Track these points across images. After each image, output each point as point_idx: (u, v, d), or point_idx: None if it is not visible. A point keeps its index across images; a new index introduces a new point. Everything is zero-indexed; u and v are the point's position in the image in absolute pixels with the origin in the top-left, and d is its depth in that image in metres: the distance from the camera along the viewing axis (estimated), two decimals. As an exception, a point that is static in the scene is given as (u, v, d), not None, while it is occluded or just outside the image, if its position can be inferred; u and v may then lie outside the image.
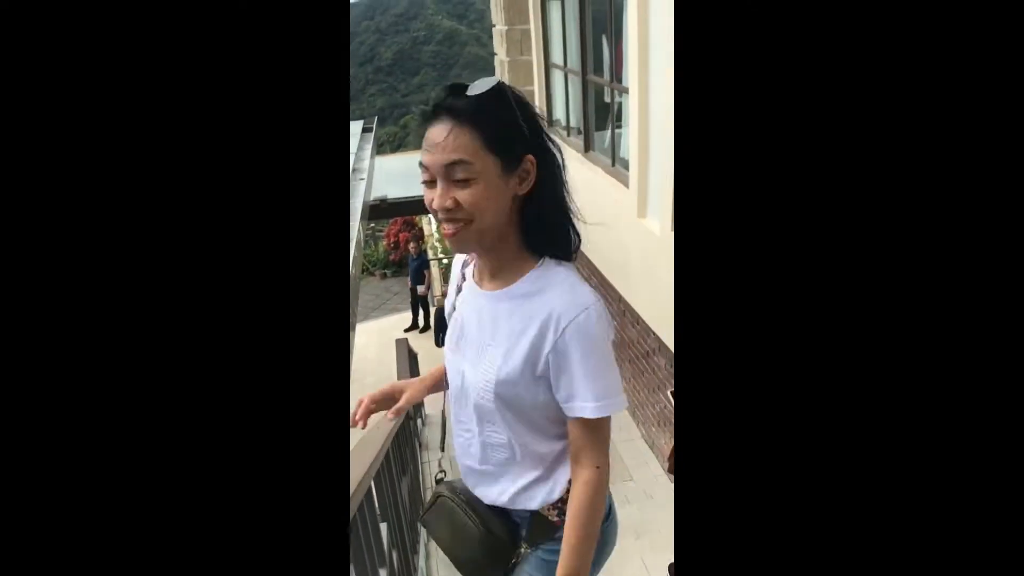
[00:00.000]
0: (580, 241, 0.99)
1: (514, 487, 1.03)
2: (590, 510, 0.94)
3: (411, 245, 8.01)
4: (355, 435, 1.10)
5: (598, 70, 4.11)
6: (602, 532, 1.01)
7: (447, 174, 0.84)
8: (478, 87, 0.84)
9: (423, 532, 2.85)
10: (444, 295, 1.20)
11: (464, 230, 0.86)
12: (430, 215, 1.10)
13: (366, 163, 6.60)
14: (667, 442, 3.54)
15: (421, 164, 0.86)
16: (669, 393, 3.46)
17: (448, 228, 0.87)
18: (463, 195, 0.84)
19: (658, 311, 3.45)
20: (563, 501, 1.02)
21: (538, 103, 5.36)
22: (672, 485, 3.11)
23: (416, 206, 6.80)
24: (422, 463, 3.73)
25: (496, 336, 0.94)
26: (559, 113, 5.11)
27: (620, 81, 3.62)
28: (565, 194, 0.95)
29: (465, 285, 1.04)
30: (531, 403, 0.95)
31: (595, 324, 0.89)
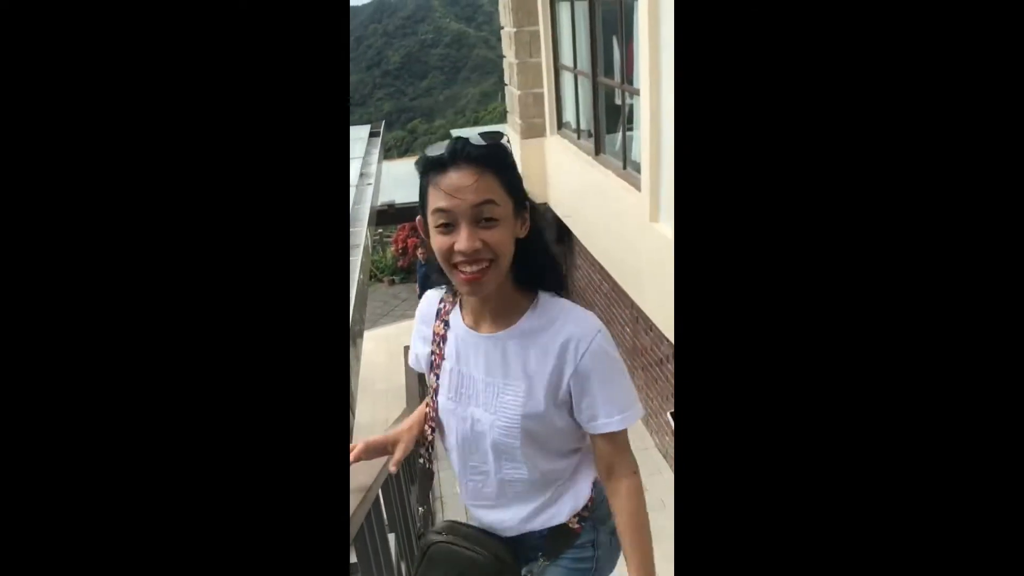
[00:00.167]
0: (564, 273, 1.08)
1: (537, 510, 1.09)
2: (644, 513, 1.03)
3: (419, 251, 8.03)
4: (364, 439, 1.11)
5: (609, 72, 4.12)
6: (595, 559, 1.11)
7: (475, 216, 0.89)
8: (490, 137, 0.91)
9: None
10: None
11: (490, 270, 0.91)
12: None
13: (373, 168, 6.64)
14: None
15: (440, 211, 0.89)
16: (669, 415, 3.45)
17: (471, 270, 0.90)
18: (489, 235, 0.89)
19: (672, 317, 3.43)
20: (587, 508, 1.10)
21: (547, 106, 5.37)
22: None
23: (424, 211, 6.80)
24: (438, 469, 3.72)
25: (510, 375, 1.00)
26: (569, 116, 5.11)
27: (631, 83, 3.62)
28: (547, 235, 1.05)
29: (453, 334, 1.06)
30: (554, 430, 1.02)
31: (608, 344, 0.98)
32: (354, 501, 1.16)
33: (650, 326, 3.89)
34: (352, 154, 6.97)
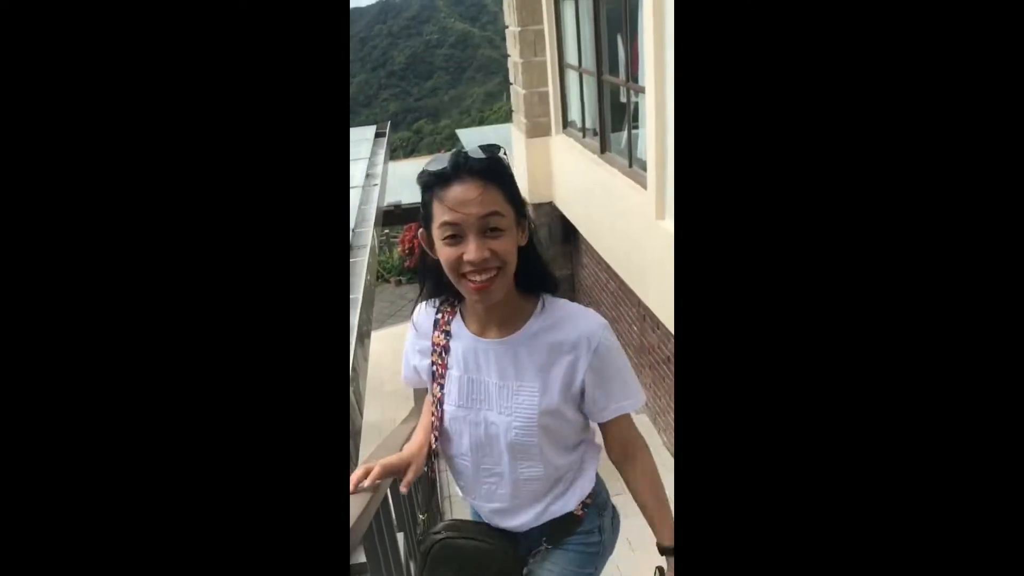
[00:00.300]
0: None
1: (549, 504, 1.14)
2: (661, 483, 1.12)
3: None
4: (371, 441, 1.12)
5: (613, 70, 4.11)
6: (601, 543, 1.19)
7: (482, 227, 0.92)
8: (490, 150, 0.95)
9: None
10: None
11: (498, 278, 0.95)
12: None
13: (379, 168, 6.65)
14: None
15: (447, 223, 0.92)
16: None
17: (481, 279, 0.94)
18: (496, 244, 0.93)
19: (678, 315, 3.42)
20: (590, 496, 1.18)
21: (553, 104, 5.37)
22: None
23: (430, 211, 6.79)
24: (440, 471, 3.73)
25: (524, 376, 1.04)
26: (574, 114, 5.11)
27: (636, 80, 3.61)
28: (545, 242, 1.12)
29: (459, 343, 1.09)
30: (566, 424, 1.08)
31: (613, 337, 1.06)
32: (363, 501, 1.17)
33: (657, 324, 3.89)
34: (358, 155, 6.98)
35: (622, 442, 1.13)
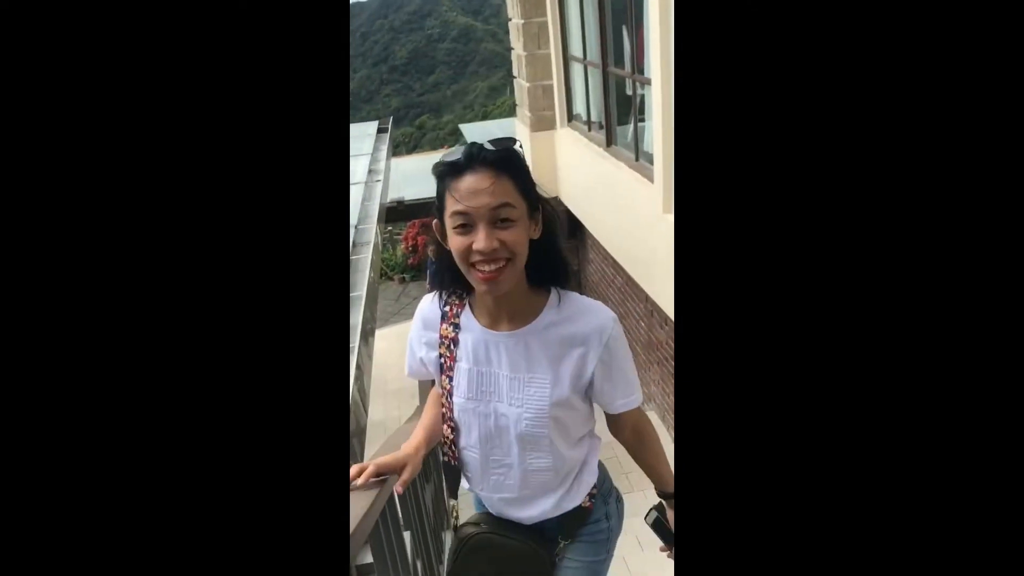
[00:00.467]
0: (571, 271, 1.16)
1: (559, 500, 1.17)
2: (662, 447, 1.22)
3: (430, 248, 7.98)
4: (376, 439, 1.13)
5: (619, 62, 4.10)
6: (610, 528, 1.25)
7: (492, 217, 0.95)
8: (503, 142, 0.98)
9: (447, 541, 2.86)
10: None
11: (506, 269, 0.97)
12: None
13: (382, 164, 6.66)
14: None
15: (458, 213, 0.95)
16: None
17: (489, 268, 0.96)
18: (505, 235, 0.95)
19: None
20: (595, 486, 1.22)
21: (557, 98, 5.36)
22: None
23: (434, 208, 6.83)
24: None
25: (535, 368, 1.07)
26: (579, 107, 5.10)
27: (642, 72, 3.60)
28: (559, 236, 1.12)
29: (468, 335, 1.11)
30: (574, 414, 1.11)
31: (622, 330, 1.08)
32: (368, 501, 1.17)
33: (665, 320, 3.88)
34: (360, 151, 6.99)
35: (631, 427, 1.18)
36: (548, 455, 1.12)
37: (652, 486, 1.26)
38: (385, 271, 10.55)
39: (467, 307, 1.11)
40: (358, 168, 6.32)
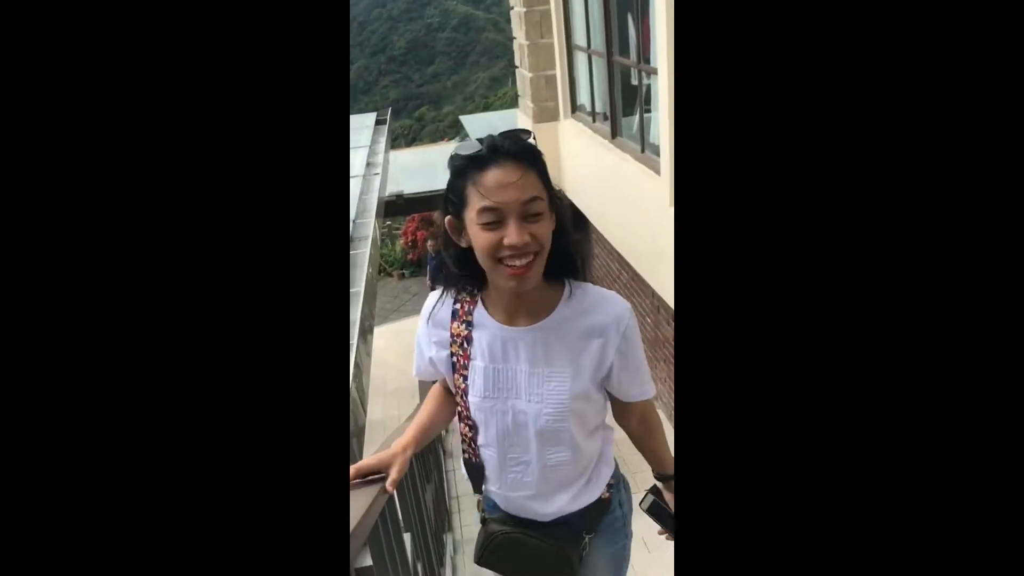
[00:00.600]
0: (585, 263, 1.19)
1: (577, 494, 1.18)
2: (665, 436, 1.25)
3: (429, 243, 8.05)
4: (375, 438, 1.12)
5: (624, 51, 4.08)
6: (624, 515, 1.27)
7: (523, 211, 0.94)
8: (522, 134, 0.98)
9: (448, 543, 2.87)
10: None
11: (535, 263, 0.97)
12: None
13: (380, 157, 6.65)
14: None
15: (487, 209, 0.93)
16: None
17: (520, 263, 0.95)
18: (535, 229, 0.95)
19: (694, 306, 3.40)
20: (613, 476, 1.25)
21: (561, 88, 5.34)
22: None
23: (434, 202, 6.84)
24: (446, 471, 3.75)
25: (554, 362, 1.07)
26: (583, 98, 5.08)
27: (648, 62, 3.59)
28: (571, 227, 1.12)
29: (484, 332, 1.09)
30: (592, 405, 1.12)
31: (635, 320, 1.09)
32: (367, 502, 1.17)
33: (672, 316, 3.87)
34: (358, 143, 6.98)
35: (640, 416, 1.21)
36: (567, 449, 1.12)
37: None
38: (384, 267, 10.56)
39: (480, 304, 1.10)
40: (356, 161, 6.31)
